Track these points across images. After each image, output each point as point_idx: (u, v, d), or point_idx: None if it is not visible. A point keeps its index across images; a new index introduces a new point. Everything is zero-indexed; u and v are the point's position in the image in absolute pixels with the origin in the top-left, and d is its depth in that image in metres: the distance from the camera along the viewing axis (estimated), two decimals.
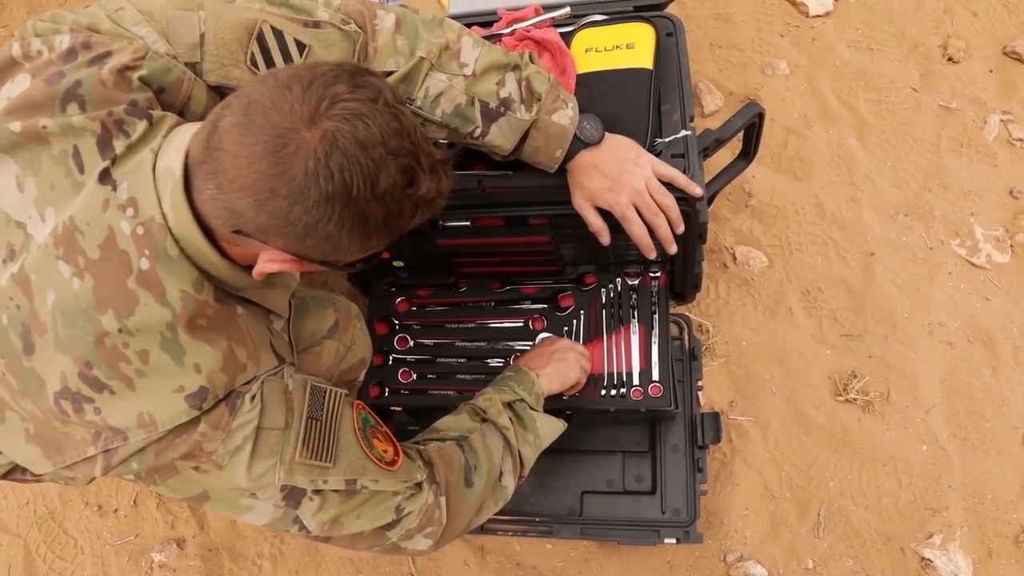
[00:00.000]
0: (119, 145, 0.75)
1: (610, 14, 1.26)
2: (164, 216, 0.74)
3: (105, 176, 0.74)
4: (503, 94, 1.00)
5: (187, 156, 0.73)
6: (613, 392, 1.32)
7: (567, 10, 1.24)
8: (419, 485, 0.96)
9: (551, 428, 1.19)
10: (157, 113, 0.79)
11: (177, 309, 0.76)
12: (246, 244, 0.76)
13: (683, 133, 1.10)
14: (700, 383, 1.49)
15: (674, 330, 1.51)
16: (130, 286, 0.74)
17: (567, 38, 1.23)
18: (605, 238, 1.10)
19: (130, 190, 0.74)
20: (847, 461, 1.48)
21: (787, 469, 1.49)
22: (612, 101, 1.13)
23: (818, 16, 1.91)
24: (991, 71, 1.79)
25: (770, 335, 1.59)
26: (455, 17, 1.35)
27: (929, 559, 1.38)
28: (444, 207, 1.16)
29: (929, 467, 1.46)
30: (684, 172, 1.08)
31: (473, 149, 1.10)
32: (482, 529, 1.44)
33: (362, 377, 1.32)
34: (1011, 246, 1.61)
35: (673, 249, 1.11)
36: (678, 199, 1.08)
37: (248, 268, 0.82)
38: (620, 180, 1.04)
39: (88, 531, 1.71)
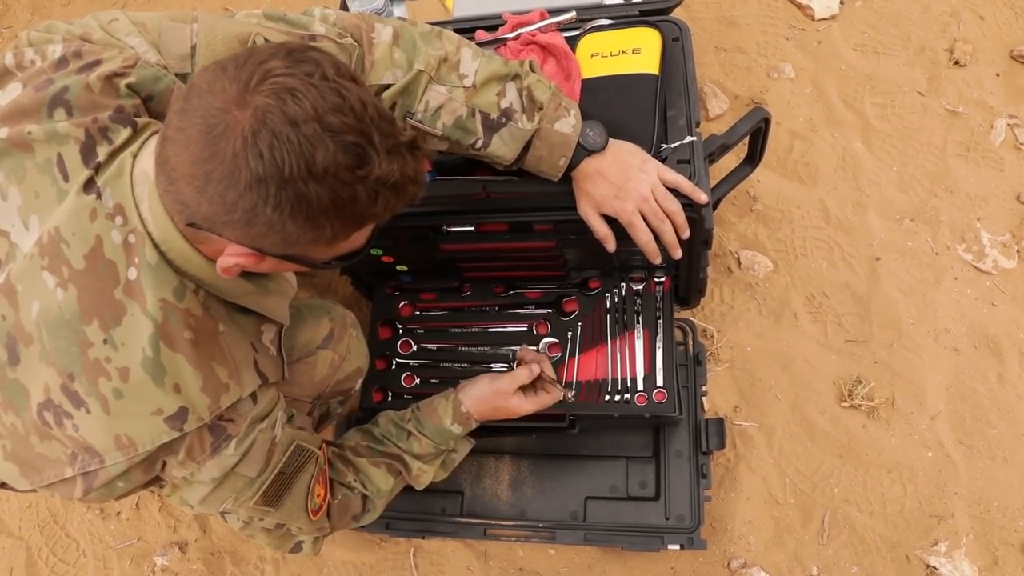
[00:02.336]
0: (102, 152, 0.74)
1: (616, 18, 1.25)
2: (143, 221, 0.73)
3: (90, 185, 0.73)
4: (504, 104, 0.99)
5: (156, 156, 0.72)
6: (617, 398, 1.32)
7: (572, 14, 1.24)
8: (323, 527, 1.07)
9: (464, 453, 1.28)
10: (142, 120, 0.77)
11: (158, 319, 0.74)
12: (206, 239, 0.74)
13: (689, 139, 1.10)
14: (704, 388, 1.49)
15: (678, 335, 1.51)
16: (117, 296, 0.73)
17: (572, 42, 1.22)
18: (611, 244, 1.09)
19: (115, 197, 0.73)
20: (852, 467, 1.47)
21: (791, 475, 1.48)
22: (618, 107, 1.12)
23: (824, 19, 1.90)
24: (998, 75, 1.78)
25: (775, 340, 1.59)
26: (460, 21, 1.35)
27: (934, 567, 1.37)
28: (446, 212, 1.18)
29: (934, 474, 1.45)
30: (690, 178, 1.07)
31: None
32: (485, 534, 1.44)
33: (358, 386, 1.32)
34: (1017, 251, 1.60)
35: (678, 254, 1.10)
36: (684, 205, 1.08)
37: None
38: (625, 187, 1.03)
39: (90, 534, 1.71)
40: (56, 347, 0.74)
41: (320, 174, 0.66)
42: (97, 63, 0.77)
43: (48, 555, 1.71)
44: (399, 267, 1.43)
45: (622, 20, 1.25)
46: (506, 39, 1.23)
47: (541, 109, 1.00)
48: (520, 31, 1.22)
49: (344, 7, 1.44)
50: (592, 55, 1.18)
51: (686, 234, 1.08)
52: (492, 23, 1.30)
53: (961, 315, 1.56)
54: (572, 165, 1.03)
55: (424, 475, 1.19)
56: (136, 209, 0.72)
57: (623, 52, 1.16)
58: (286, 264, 0.78)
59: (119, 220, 0.73)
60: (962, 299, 1.57)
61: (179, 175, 0.67)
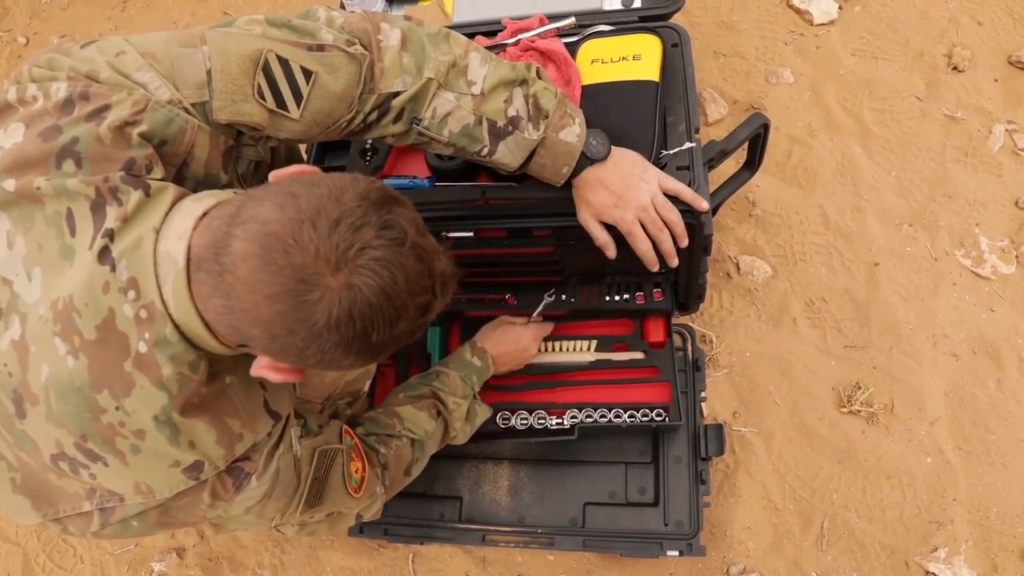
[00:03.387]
0: (111, 214, 0.72)
1: (615, 24, 1.25)
2: (164, 303, 0.72)
3: (104, 255, 0.71)
4: (511, 113, 0.98)
5: (189, 248, 0.71)
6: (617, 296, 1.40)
7: (572, 20, 1.24)
8: (374, 494, 1.10)
9: (484, 416, 1.36)
10: (156, 184, 0.75)
11: (173, 391, 0.74)
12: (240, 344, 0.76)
13: (688, 145, 1.10)
14: (703, 394, 1.49)
15: (678, 341, 1.51)
16: (127, 368, 0.72)
17: (572, 48, 1.22)
18: (611, 252, 1.10)
19: (129, 269, 0.71)
20: (851, 473, 1.47)
21: (791, 481, 1.48)
22: (618, 113, 1.12)
23: (822, 24, 1.90)
24: (996, 81, 1.78)
25: (774, 346, 1.59)
26: (459, 26, 1.35)
27: (934, 573, 1.37)
28: (445, 218, 1.18)
29: (934, 480, 1.45)
30: (689, 184, 1.07)
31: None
32: (483, 540, 1.44)
33: (367, 387, 1.34)
34: (1016, 257, 1.60)
35: (675, 263, 1.10)
36: (683, 211, 1.08)
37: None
38: (626, 196, 1.03)
39: (88, 540, 1.71)
40: (65, 411, 0.74)
41: (396, 335, 0.72)
42: (106, 108, 0.74)
43: (45, 561, 1.71)
44: None
45: (622, 26, 1.25)
46: (505, 45, 1.23)
47: (547, 118, 0.99)
48: (519, 37, 1.22)
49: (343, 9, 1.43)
50: (593, 61, 1.18)
51: (685, 242, 1.09)
52: (491, 29, 1.30)
53: (960, 320, 1.56)
54: (574, 173, 1.03)
55: (459, 410, 1.26)
56: (158, 289, 0.71)
57: (624, 58, 1.16)
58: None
59: (131, 295, 0.71)
60: (961, 304, 1.57)
61: (250, 318, 0.68)
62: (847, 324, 1.59)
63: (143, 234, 0.72)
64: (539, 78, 1.03)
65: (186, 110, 0.79)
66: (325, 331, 0.67)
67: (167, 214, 0.74)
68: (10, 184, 0.72)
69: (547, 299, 1.41)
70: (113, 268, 0.71)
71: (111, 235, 0.71)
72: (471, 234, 1.21)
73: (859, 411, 1.50)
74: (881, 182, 1.71)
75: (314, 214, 0.67)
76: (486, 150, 1.00)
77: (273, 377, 0.77)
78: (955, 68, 1.79)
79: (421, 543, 1.50)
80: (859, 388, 1.52)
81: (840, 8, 1.92)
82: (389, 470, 1.13)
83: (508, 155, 1.01)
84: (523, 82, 1.00)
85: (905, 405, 1.51)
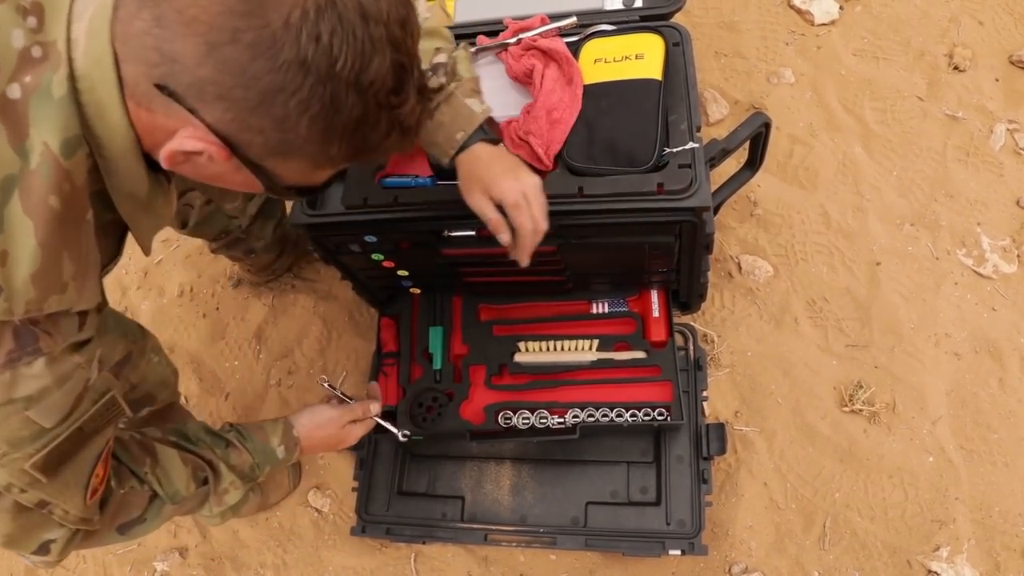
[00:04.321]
0: None
1: (616, 24, 1.26)
2: (69, 43, 0.58)
3: None
4: (435, 59, 0.96)
5: None
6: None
7: (573, 19, 1.24)
8: (80, 530, 0.84)
9: (250, 508, 1.25)
10: None
11: (30, 165, 0.58)
12: (162, 112, 0.60)
13: (690, 145, 1.10)
14: (705, 393, 1.49)
15: (679, 340, 1.51)
16: None
17: (574, 48, 1.22)
18: (506, 235, 1.02)
19: None
20: (853, 472, 1.47)
21: (792, 480, 1.48)
22: (621, 112, 1.12)
23: (823, 24, 1.91)
24: (997, 80, 1.78)
25: (775, 345, 1.59)
26: (461, 26, 1.35)
27: (936, 572, 1.37)
28: (447, 217, 1.18)
29: (936, 479, 1.45)
30: (691, 184, 1.08)
31: None
32: (485, 539, 1.44)
33: (167, 398, 1.24)
34: (1018, 256, 1.60)
35: (525, 262, 1.06)
36: (683, 209, 1.08)
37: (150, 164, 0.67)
38: (518, 172, 0.99)
39: None
40: None
41: (365, 86, 0.59)
42: None
43: None
44: (400, 272, 1.43)
45: (623, 26, 1.25)
46: (507, 44, 1.24)
47: (459, 79, 0.98)
48: (521, 36, 1.23)
49: None
50: (595, 61, 1.18)
51: (529, 252, 1.04)
52: (493, 28, 1.30)
53: (962, 320, 1.56)
54: (466, 146, 0.99)
55: (231, 495, 1.05)
56: (67, 25, 0.57)
57: (626, 58, 1.16)
58: (244, 176, 0.66)
59: (32, 21, 0.57)
60: (963, 304, 1.58)
61: (184, 21, 0.55)
62: (849, 323, 1.59)
63: None
64: (466, 53, 1.02)
65: None
66: (280, 36, 0.54)
67: None
68: None
69: (398, 434, 1.34)
70: None
71: None
72: (473, 233, 1.21)
73: (861, 410, 1.50)
74: (882, 182, 1.71)
75: None
76: None
77: (193, 146, 0.61)
78: (956, 68, 1.80)
79: (423, 543, 1.50)
80: (861, 387, 1.52)
81: (841, 8, 1.92)
82: (104, 512, 0.86)
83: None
84: (454, 46, 1.01)
85: (907, 404, 1.51)
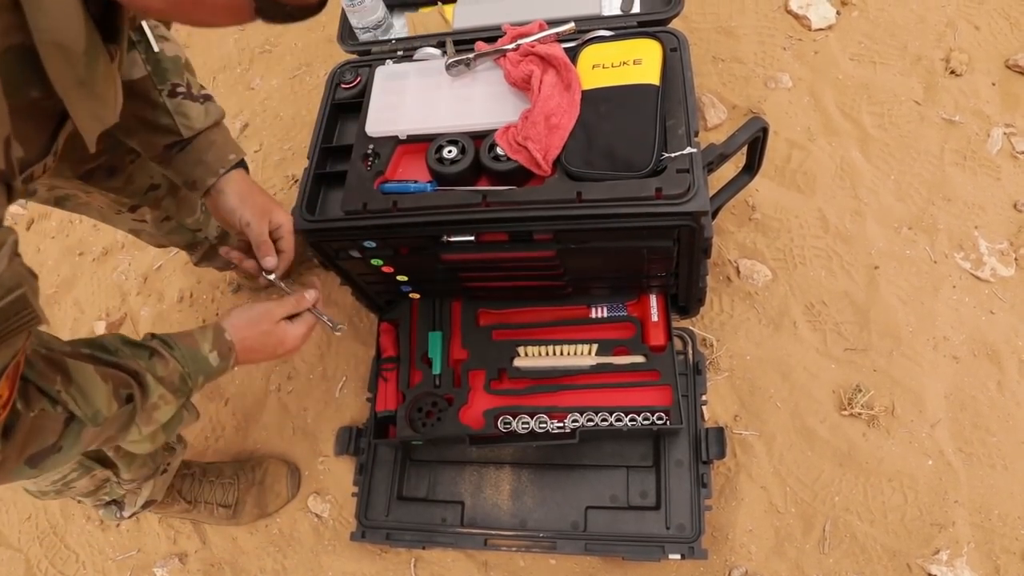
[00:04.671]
0: None
1: (614, 29, 1.26)
2: None
3: None
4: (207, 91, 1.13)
5: None
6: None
7: (571, 25, 1.25)
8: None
9: (189, 423, 1.06)
10: None
11: None
12: None
13: (688, 150, 1.10)
14: (704, 397, 1.49)
15: (678, 344, 1.51)
16: None
17: (572, 53, 1.23)
18: (273, 259, 1.16)
19: None
20: (852, 476, 1.47)
21: (792, 484, 1.48)
22: (619, 116, 1.13)
23: (820, 29, 1.91)
24: (994, 84, 1.79)
25: (774, 349, 1.59)
26: (459, 32, 1.36)
27: (936, 575, 1.37)
28: (446, 222, 1.18)
29: (935, 482, 1.45)
30: (689, 188, 1.08)
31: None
32: (485, 544, 1.44)
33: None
34: (1015, 259, 1.60)
35: (272, 263, 1.18)
36: (680, 215, 1.09)
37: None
38: (277, 204, 1.18)
39: (90, 546, 1.71)
40: None
41: None
42: None
43: (47, 567, 1.71)
44: (400, 277, 1.43)
45: (621, 31, 1.26)
46: (505, 50, 1.24)
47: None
48: (519, 42, 1.23)
49: (344, 18, 1.45)
50: (594, 66, 1.19)
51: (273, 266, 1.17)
52: (491, 34, 1.31)
53: (960, 323, 1.56)
54: (235, 167, 1.14)
55: (162, 411, 0.92)
56: None
57: (624, 63, 1.17)
58: None
59: None
60: (961, 307, 1.58)
61: None
62: (847, 327, 1.59)
63: None
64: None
65: None
66: None
67: None
68: None
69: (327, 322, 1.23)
70: None
71: None
72: (472, 238, 1.22)
73: (860, 414, 1.50)
74: (880, 185, 1.72)
75: None
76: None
77: None
78: (953, 72, 1.80)
79: (423, 547, 1.50)
80: (860, 391, 1.52)
81: (838, 13, 1.93)
82: (10, 440, 0.73)
83: (203, 115, 1.10)
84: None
85: (906, 407, 1.51)
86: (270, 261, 1.15)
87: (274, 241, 1.17)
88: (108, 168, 1.22)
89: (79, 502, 1.30)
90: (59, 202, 1.30)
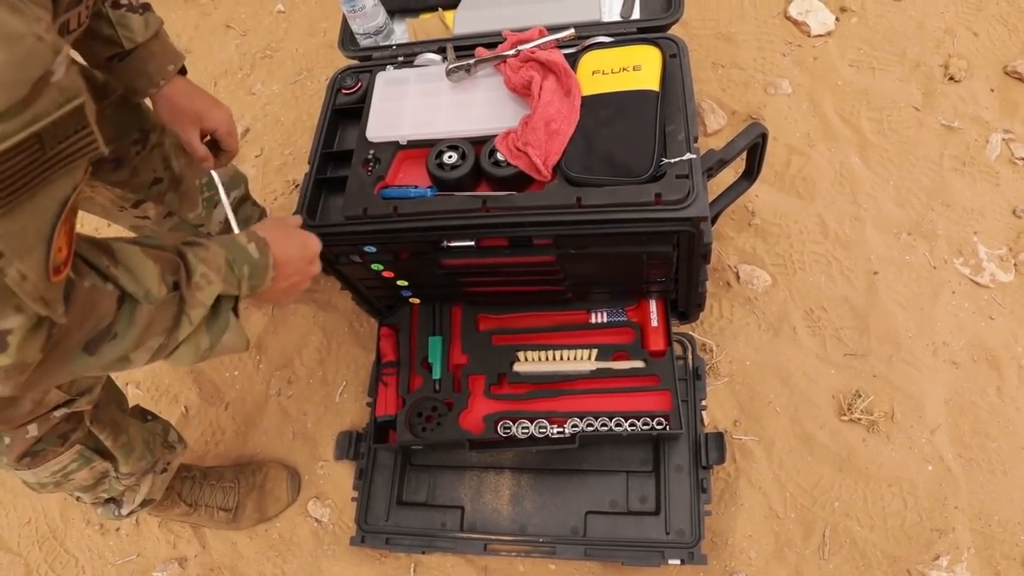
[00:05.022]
0: None
1: (614, 35, 1.27)
2: None
3: None
4: None
5: None
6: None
7: (571, 31, 1.25)
8: (40, 320, 0.66)
9: (232, 343, 0.94)
10: None
11: None
12: None
13: (688, 156, 1.11)
14: (704, 403, 1.49)
15: (678, 349, 1.51)
16: None
17: (572, 59, 1.23)
18: (211, 162, 1.21)
19: None
20: (852, 481, 1.47)
21: (792, 489, 1.48)
22: (619, 122, 1.13)
23: (819, 36, 1.92)
24: (992, 90, 1.79)
25: (774, 354, 1.59)
26: (459, 38, 1.36)
27: None
28: (446, 227, 1.19)
29: (935, 487, 1.45)
30: (688, 193, 1.08)
31: None
32: (485, 549, 1.44)
33: None
34: (1015, 265, 1.61)
35: (209, 165, 1.22)
36: (679, 220, 1.09)
37: None
38: (217, 101, 1.18)
39: (89, 550, 1.71)
40: None
41: None
42: None
43: (47, 571, 1.70)
44: (400, 282, 1.43)
45: (621, 37, 1.26)
46: (506, 56, 1.25)
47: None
48: (520, 48, 1.24)
49: (345, 24, 1.45)
50: (593, 72, 1.19)
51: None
52: (492, 40, 1.32)
53: (959, 328, 1.57)
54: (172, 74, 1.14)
55: (204, 292, 0.86)
56: None
57: (624, 69, 1.17)
58: None
59: None
60: (960, 312, 1.58)
61: None
62: (847, 332, 1.59)
63: None
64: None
65: None
66: None
67: None
68: None
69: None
70: None
71: None
72: (472, 243, 1.22)
73: (859, 419, 1.50)
74: (879, 191, 1.72)
75: None
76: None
77: None
78: (951, 78, 1.81)
79: (423, 552, 1.50)
80: (859, 396, 1.52)
81: (837, 20, 1.94)
82: (74, 303, 0.69)
83: (142, 25, 1.10)
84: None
85: (905, 413, 1.51)
86: (207, 164, 1.21)
87: (218, 141, 1.22)
88: (114, 160, 1.24)
89: (78, 499, 1.30)
90: None
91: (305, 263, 1.07)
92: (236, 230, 1.10)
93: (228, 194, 1.50)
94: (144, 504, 1.37)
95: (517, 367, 1.48)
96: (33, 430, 1.06)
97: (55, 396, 1.04)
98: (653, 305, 1.49)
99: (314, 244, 1.11)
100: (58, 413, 1.06)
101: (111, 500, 1.33)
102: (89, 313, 0.73)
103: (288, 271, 1.03)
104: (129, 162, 1.27)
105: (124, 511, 1.34)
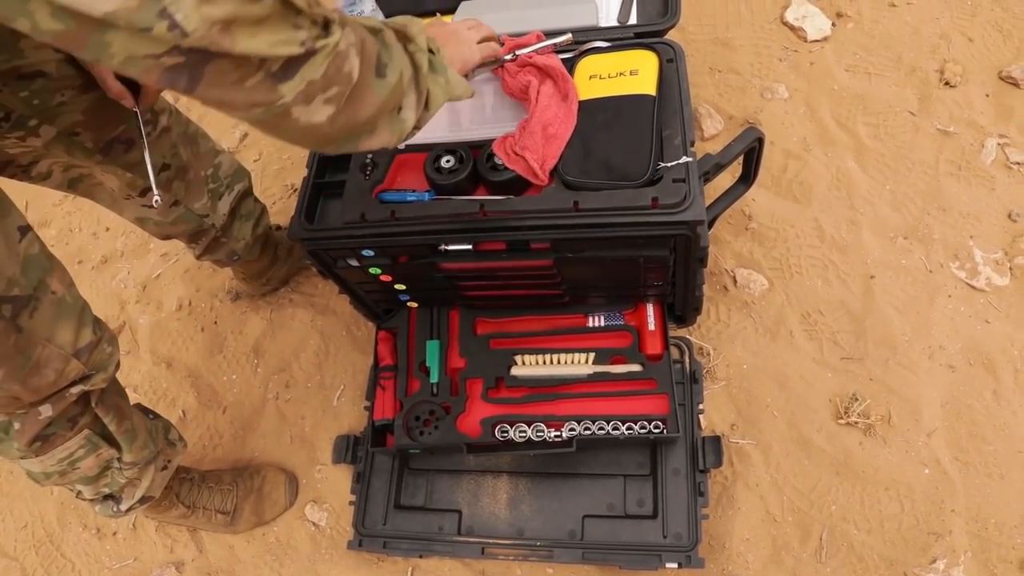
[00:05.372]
0: None
1: (611, 40, 1.28)
2: None
3: None
4: None
5: None
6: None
7: (568, 36, 1.26)
8: (327, 25, 0.68)
9: (462, 84, 1.01)
10: None
11: None
12: None
13: (684, 160, 1.11)
14: (701, 406, 1.49)
15: (675, 353, 1.52)
16: None
17: (569, 64, 1.24)
18: (129, 100, 1.12)
19: None
20: (849, 485, 1.47)
21: (789, 493, 1.48)
22: (616, 127, 1.14)
23: (816, 41, 1.93)
24: (988, 95, 1.80)
25: (771, 358, 1.60)
26: None
27: None
28: (444, 231, 1.19)
29: (932, 491, 1.45)
30: (685, 198, 1.09)
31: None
32: (482, 553, 1.44)
33: None
34: (1010, 269, 1.61)
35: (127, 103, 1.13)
36: (676, 224, 1.10)
37: None
38: None
39: (86, 554, 1.70)
40: None
41: None
42: None
43: None
44: (398, 286, 1.44)
45: (618, 42, 1.27)
46: (503, 61, 1.25)
47: None
48: (517, 53, 1.24)
49: None
50: (591, 77, 1.20)
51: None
52: None
53: (955, 332, 1.57)
54: None
55: (422, 47, 0.90)
56: None
57: (621, 74, 1.18)
58: None
59: None
60: (956, 316, 1.59)
61: None
62: (843, 336, 1.60)
63: None
64: None
65: None
66: None
67: None
68: None
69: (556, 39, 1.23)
70: None
71: None
72: (470, 247, 1.22)
73: (856, 423, 1.51)
74: (875, 196, 1.73)
75: None
76: None
77: None
78: (947, 83, 1.82)
79: (420, 556, 1.50)
80: (856, 400, 1.53)
81: (833, 25, 1.95)
82: (350, 26, 0.73)
83: None
84: None
85: (902, 416, 1.51)
86: (126, 103, 1.13)
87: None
88: (126, 140, 1.23)
89: (78, 494, 1.30)
90: (72, 184, 1.31)
91: (463, 63, 1.10)
92: (154, 185, 1.14)
93: (232, 187, 1.49)
94: (143, 501, 1.37)
95: (515, 371, 1.48)
96: (47, 410, 1.08)
97: (75, 367, 1.08)
98: (650, 309, 1.49)
99: (476, 50, 1.13)
100: (75, 390, 1.10)
101: (110, 497, 1.33)
102: (363, 38, 0.76)
103: (457, 47, 1.08)
104: (140, 144, 1.27)
105: (123, 507, 1.35)
